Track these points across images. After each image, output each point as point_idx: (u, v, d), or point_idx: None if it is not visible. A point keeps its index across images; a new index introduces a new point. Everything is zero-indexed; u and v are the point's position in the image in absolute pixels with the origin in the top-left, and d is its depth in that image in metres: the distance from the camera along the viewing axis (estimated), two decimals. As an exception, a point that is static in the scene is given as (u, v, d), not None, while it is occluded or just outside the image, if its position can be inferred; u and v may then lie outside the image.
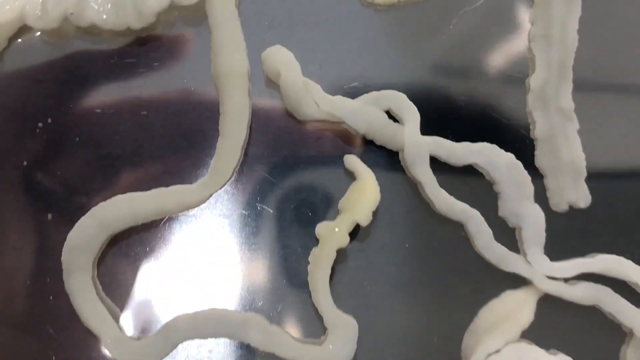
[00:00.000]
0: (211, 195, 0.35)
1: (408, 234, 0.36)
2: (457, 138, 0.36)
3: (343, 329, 0.35)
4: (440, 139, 0.36)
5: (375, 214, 0.35)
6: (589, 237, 0.36)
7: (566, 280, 0.35)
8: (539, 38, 0.36)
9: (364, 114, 0.35)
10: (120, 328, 0.35)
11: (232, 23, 0.36)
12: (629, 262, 0.35)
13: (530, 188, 0.36)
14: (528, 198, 0.36)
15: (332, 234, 0.35)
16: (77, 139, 0.36)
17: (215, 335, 0.35)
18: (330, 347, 0.34)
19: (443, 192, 0.35)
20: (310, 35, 0.37)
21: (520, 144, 0.36)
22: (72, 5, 0.34)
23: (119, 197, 0.34)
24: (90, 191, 0.35)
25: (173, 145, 0.36)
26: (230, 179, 0.35)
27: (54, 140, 0.36)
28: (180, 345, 0.35)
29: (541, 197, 0.36)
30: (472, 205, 0.36)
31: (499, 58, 0.37)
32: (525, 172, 0.36)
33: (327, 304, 0.35)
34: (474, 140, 0.36)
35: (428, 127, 0.36)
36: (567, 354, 0.35)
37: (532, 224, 0.36)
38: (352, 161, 0.36)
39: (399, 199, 0.36)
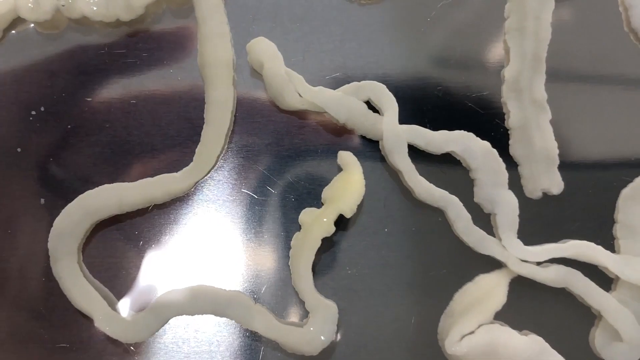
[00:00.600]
0: (196, 183, 0.36)
1: (387, 219, 0.37)
2: (435, 127, 0.37)
3: (323, 312, 0.36)
4: (418, 127, 0.37)
5: (355, 200, 0.37)
6: (562, 223, 0.37)
7: (539, 264, 0.37)
8: (513, 31, 0.37)
9: (344, 103, 0.36)
10: (110, 307, 0.36)
11: (218, 15, 0.37)
12: (599, 248, 0.36)
13: (504, 175, 0.37)
14: (502, 185, 0.37)
15: (318, 222, 0.35)
16: (69, 126, 0.37)
17: (203, 311, 0.36)
18: (311, 329, 0.35)
19: (422, 179, 0.36)
20: (294, 28, 0.38)
21: (495, 133, 0.37)
22: (64, -2, 0.35)
23: (105, 186, 0.35)
24: (82, 177, 0.36)
25: (161, 133, 0.37)
26: (214, 166, 0.36)
27: (47, 128, 0.37)
28: (167, 325, 0.36)
29: (516, 184, 0.37)
30: (449, 192, 0.37)
31: (475, 50, 0.38)
32: (500, 159, 0.37)
33: (308, 288, 0.36)
34: (450, 129, 0.37)
35: (406, 117, 0.37)
36: (539, 334, 0.36)
37: (506, 210, 0.37)
38: (346, 156, 0.36)
39: (379, 186, 0.37)
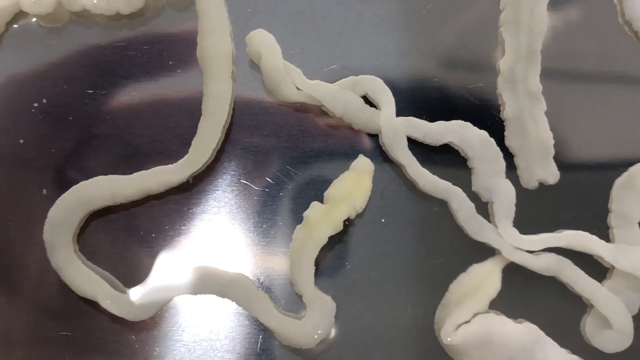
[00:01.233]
0: (192, 175, 0.36)
1: (384, 209, 0.37)
2: (432, 119, 0.37)
3: (321, 306, 0.36)
4: (415, 119, 0.37)
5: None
6: (558, 212, 0.38)
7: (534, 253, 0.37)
8: (508, 23, 0.37)
9: (341, 97, 0.36)
10: (113, 287, 0.36)
11: (218, 9, 0.37)
12: (594, 237, 0.36)
13: (501, 163, 0.37)
14: (500, 173, 0.37)
15: (328, 221, 0.36)
16: (71, 118, 0.37)
17: (205, 291, 0.36)
18: (309, 322, 0.36)
19: (425, 171, 0.37)
20: (293, 20, 0.38)
21: (491, 124, 0.37)
22: (65, -9, 0.36)
23: (100, 177, 0.36)
24: (83, 168, 0.37)
25: (161, 124, 0.37)
26: (210, 158, 0.36)
27: (49, 120, 0.37)
28: (167, 313, 0.36)
29: (514, 174, 0.37)
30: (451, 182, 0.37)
31: (471, 42, 0.38)
32: (497, 148, 0.37)
33: (307, 283, 0.36)
34: (447, 121, 0.37)
35: (403, 109, 0.37)
36: (534, 322, 0.36)
37: (503, 198, 0.37)
38: (363, 163, 0.37)
39: (377, 177, 0.37)
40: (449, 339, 0.35)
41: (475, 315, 0.36)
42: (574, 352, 0.36)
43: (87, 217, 0.36)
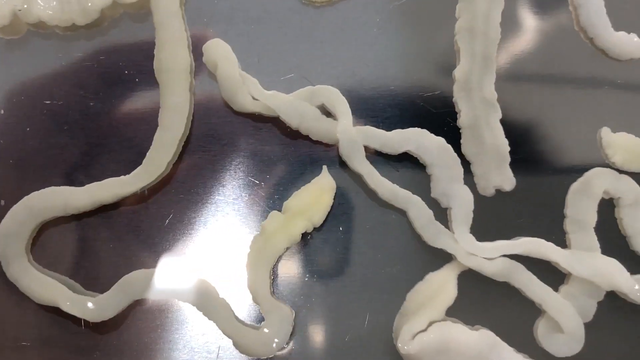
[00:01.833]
0: (146, 187, 0.36)
1: (341, 217, 0.37)
2: (388, 127, 0.37)
3: (278, 315, 0.36)
4: (372, 129, 0.37)
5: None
6: (516, 219, 0.38)
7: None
8: (463, 31, 0.37)
9: (297, 108, 0.36)
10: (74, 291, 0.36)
11: (175, 20, 0.36)
12: (549, 244, 0.36)
13: (459, 169, 0.37)
14: (457, 179, 0.37)
15: (286, 232, 0.35)
16: (28, 129, 0.37)
17: (165, 294, 0.36)
18: (266, 331, 0.36)
19: (385, 180, 0.36)
20: (249, 30, 0.38)
21: (448, 131, 0.37)
22: (21, 3, 0.35)
23: (52, 188, 0.35)
24: (39, 178, 0.36)
25: (118, 134, 0.37)
26: (165, 171, 0.36)
27: (6, 131, 0.37)
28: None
29: (472, 181, 0.37)
30: (411, 189, 0.37)
31: (427, 50, 0.38)
32: (454, 154, 0.37)
33: (263, 293, 0.36)
34: (403, 129, 0.37)
35: (360, 117, 0.37)
36: (491, 328, 0.36)
37: (461, 204, 0.37)
38: (326, 179, 0.37)
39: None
40: (405, 348, 0.35)
41: (431, 323, 0.36)
42: (531, 357, 0.36)
43: (40, 227, 0.36)
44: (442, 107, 0.38)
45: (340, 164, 0.37)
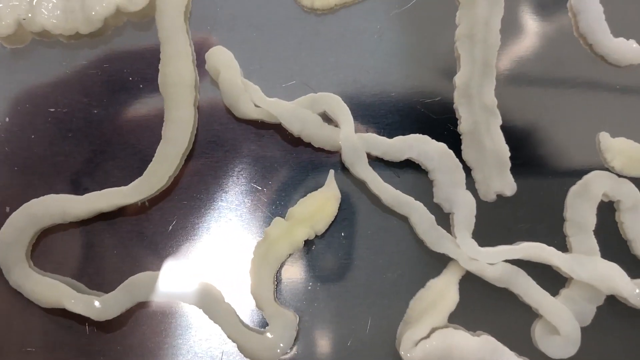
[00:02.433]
0: (145, 199, 0.36)
1: (343, 222, 0.37)
2: (390, 133, 0.37)
3: (282, 320, 0.36)
4: (374, 136, 0.37)
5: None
6: (517, 223, 0.37)
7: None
8: (463, 37, 0.37)
9: (298, 115, 0.36)
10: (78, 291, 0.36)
11: (181, 35, 0.36)
12: (550, 248, 0.36)
13: (461, 175, 0.37)
14: (460, 184, 0.37)
15: (289, 239, 0.35)
16: (33, 136, 0.37)
17: (170, 297, 0.36)
18: (270, 336, 0.36)
19: (388, 186, 0.36)
20: (252, 37, 0.38)
21: (448, 138, 0.37)
22: (24, 12, 0.35)
23: (51, 196, 0.35)
24: (45, 185, 0.36)
25: (122, 141, 0.37)
26: (166, 185, 0.36)
27: (12, 139, 0.37)
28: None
29: (474, 187, 0.37)
30: (414, 193, 0.37)
31: (428, 57, 0.38)
32: (456, 159, 0.37)
33: (267, 298, 0.36)
34: (404, 135, 0.37)
35: (362, 124, 0.37)
36: (492, 333, 0.36)
37: (463, 209, 0.37)
38: (331, 188, 0.37)
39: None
40: (408, 356, 0.35)
41: (433, 329, 0.36)
42: (531, 360, 0.36)
43: (43, 233, 0.36)
44: (442, 113, 0.38)
45: (341, 169, 0.37)
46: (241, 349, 0.36)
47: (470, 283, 0.37)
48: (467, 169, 0.37)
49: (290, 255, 0.36)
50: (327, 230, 0.37)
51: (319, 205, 0.36)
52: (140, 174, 0.36)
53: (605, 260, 0.36)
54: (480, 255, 0.36)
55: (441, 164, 0.36)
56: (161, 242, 0.37)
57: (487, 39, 0.37)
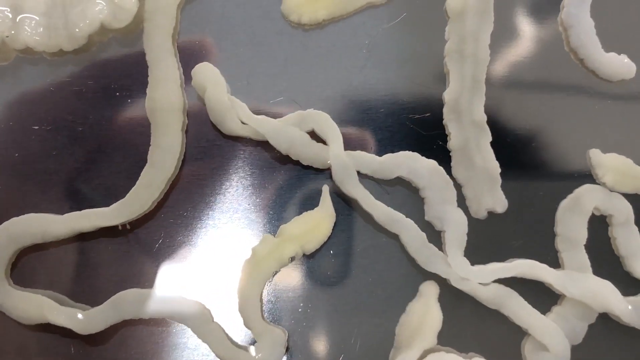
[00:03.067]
0: (126, 222, 0.35)
1: (331, 240, 0.36)
2: (379, 150, 0.37)
3: (270, 338, 0.35)
4: (363, 154, 0.36)
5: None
6: (509, 240, 0.37)
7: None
8: (452, 53, 0.36)
9: (286, 134, 0.35)
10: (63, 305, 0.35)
11: (169, 59, 0.36)
12: (542, 265, 0.36)
13: (452, 192, 0.36)
14: (450, 202, 0.36)
15: (276, 257, 0.35)
16: (17, 154, 0.36)
17: (159, 315, 0.35)
18: (259, 355, 0.35)
19: (380, 204, 0.36)
20: (238, 53, 0.37)
21: (439, 154, 0.37)
22: (7, 29, 0.35)
23: (32, 215, 0.35)
24: (27, 204, 0.36)
25: (107, 159, 0.36)
26: (148, 209, 0.35)
27: (-4, 157, 0.36)
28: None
29: (465, 204, 0.37)
30: (405, 210, 0.36)
31: (417, 72, 0.37)
32: (447, 177, 0.36)
33: (254, 316, 0.35)
34: (393, 151, 0.36)
35: (351, 141, 0.36)
36: (483, 353, 0.35)
37: (454, 227, 0.36)
38: (327, 208, 0.36)
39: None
40: (402, 381, 0.34)
41: (425, 352, 0.35)
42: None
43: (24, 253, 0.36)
44: (432, 129, 0.37)
45: (331, 187, 0.36)
46: (229, 367, 0.35)
47: (459, 301, 0.36)
48: (458, 186, 0.36)
49: (276, 272, 0.35)
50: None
51: (314, 225, 0.35)
52: (125, 192, 0.35)
53: (598, 278, 0.36)
54: (472, 274, 0.35)
55: (431, 181, 0.36)
56: (148, 261, 0.36)
57: (477, 54, 0.36)
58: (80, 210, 0.35)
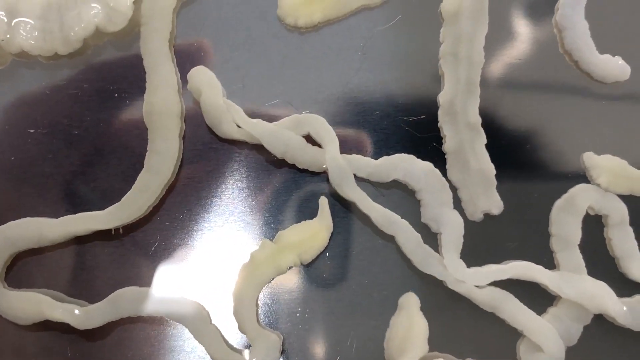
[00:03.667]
0: (120, 226, 0.35)
1: (328, 242, 0.36)
2: (374, 152, 0.36)
3: (265, 343, 0.35)
4: (359, 157, 0.36)
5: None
6: (506, 241, 0.37)
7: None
8: (447, 55, 0.36)
9: (281, 137, 0.35)
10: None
11: (166, 64, 0.35)
12: (538, 267, 0.35)
13: (448, 194, 0.36)
14: (447, 204, 0.36)
15: (274, 263, 0.35)
16: (12, 158, 0.36)
17: (157, 313, 0.35)
18: (253, 358, 0.35)
19: (377, 206, 0.35)
20: (234, 56, 0.37)
21: (435, 156, 0.36)
22: (3, 33, 0.35)
23: (28, 219, 0.34)
24: (23, 207, 0.35)
25: (103, 163, 0.36)
26: (143, 214, 0.35)
27: (-8, 160, 0.36)
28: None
29: (461, 207, 0.37)
30: (402, 212, 0.36)
31: (412, 75, 0.37)
32: (442, 179, 0.36)
33: (249, 321, 0.35)
34: (389, 154, 0.36)
35: (345, 143, 0.36)
36: (480, 352, 0.35)
37: (450, 229, 0.36)
38: (325, 219, 0.36)
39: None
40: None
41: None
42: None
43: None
44: (428, 131, 0.37)
45: (320, 188, 0.36)
46: (225, 371, 0.35)
47: (455, 303, 0.36)
48: (454, 188, 0.36)
49: (273, 279, 0.35)
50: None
51: (311, 234, 0.35)
52: (121, 195, 0.35)
53: (593, 279, 0.36)
54: (468, 277, 0.35)
55: (427, 184, 0.36)
56: (144, 264, 0.36)
57: (471, 56, 0.36)
58: (76, 213, 0.35)
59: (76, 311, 0.34)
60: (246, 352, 0.35)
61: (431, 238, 0.36)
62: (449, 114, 0.36)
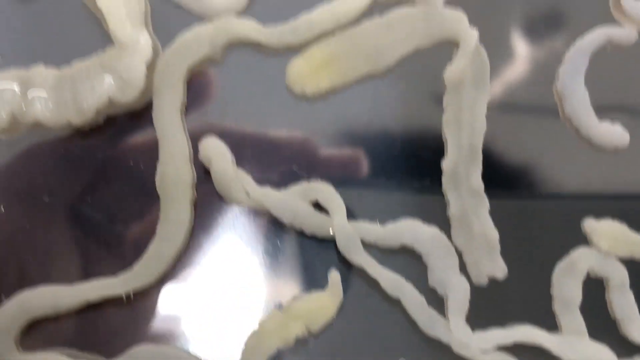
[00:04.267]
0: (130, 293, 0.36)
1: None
2: (381, 218, 0.37)
3: None
4: (366, 224, 0.36)
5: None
6: (512, 305, 0.37)
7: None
8: (450, 123, 0.37)
9: (289, 206, 0.36)
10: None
11: (178, 135, 0.36)
12: (541, 332, 0.36)
13: (454, 259, 0.36)
14: (452, 268, 0.36)
15: (282, 334, 0.35)
16: (28, 226, 0.36)
17: None
18: None
19: (385, 271, 0.36)
20: (244, 124, 0.37)
21: (440, 221, 0.37)
22: (17, 105, 0.35)
23: (44, 288, 0.35)
24: (36, 272, 0.36)
25: (116, 234, 0.37)
26: (155, 282, 0.35)
27: (7, 228, 0.36)
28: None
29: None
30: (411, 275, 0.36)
31: (415, 142, 0.38)
32: (449, 243, 0.36)
33: None
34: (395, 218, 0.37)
35: (354, 210, 0.37)
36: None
37: (456, 294, 0.36)
38: (335, 290, 0.36)
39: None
40: None
41: None
42: None
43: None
44: (431, 195, 0.37)
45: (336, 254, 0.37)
46: None
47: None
48: (460, 251, 0.37)
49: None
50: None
51: (319, 305, 0.36)
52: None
53: (595, 342, 0.36)
54: (473, 340, 0.35)
55: (433, 249, 0.36)
56: (154, 327, 0.36)
57: (474, 123, 0.36)
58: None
59: None
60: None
61: (439, 301, 0.36)
62: (453, 180, 0.36)
